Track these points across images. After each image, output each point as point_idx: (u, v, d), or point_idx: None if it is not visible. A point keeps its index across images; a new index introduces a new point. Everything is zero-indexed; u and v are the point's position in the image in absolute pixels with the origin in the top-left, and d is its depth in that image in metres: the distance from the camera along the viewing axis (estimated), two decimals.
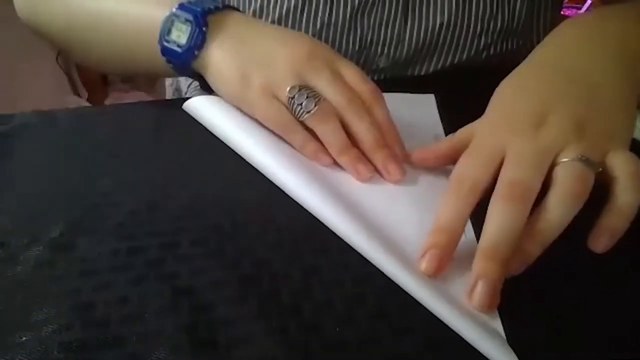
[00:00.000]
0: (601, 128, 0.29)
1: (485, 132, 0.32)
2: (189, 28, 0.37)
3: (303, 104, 0.33)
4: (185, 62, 0.38)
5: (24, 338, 0.24)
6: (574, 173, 0.27)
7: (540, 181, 0.27)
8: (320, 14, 0.48)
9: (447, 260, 0.27)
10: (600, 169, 0.28)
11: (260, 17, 0.49)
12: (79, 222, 0.30)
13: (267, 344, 0.23)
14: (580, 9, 1.52)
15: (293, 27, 0.48)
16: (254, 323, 0.24)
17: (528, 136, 0.29)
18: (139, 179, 0.34)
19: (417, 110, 0.42)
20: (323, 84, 0.35)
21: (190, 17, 0.37)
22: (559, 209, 0.26)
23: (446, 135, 0.39)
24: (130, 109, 0.45)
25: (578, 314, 0.25)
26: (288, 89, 0.34)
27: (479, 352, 0.23)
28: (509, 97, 0.33)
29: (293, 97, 0.34)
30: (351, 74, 0.36)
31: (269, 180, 0.34)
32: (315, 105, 0.33)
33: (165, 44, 0.38)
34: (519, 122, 0.30)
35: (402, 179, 0.34)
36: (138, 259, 0.28)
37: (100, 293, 0.26)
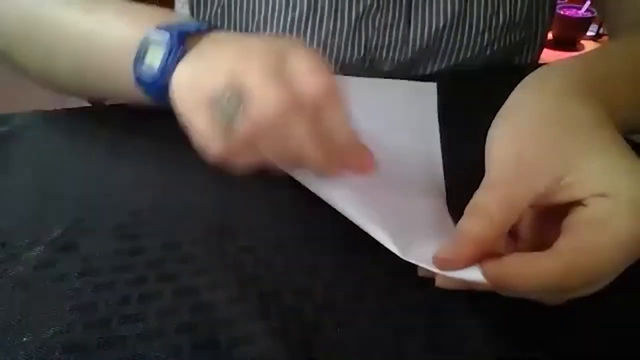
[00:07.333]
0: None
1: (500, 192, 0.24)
2: (162, 51, 0.30)
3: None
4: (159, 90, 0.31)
5: (24, 338, 0.24)
6: None
7: None
8: (325, 22, 0.48)
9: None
10: None
11: (265, 28, 0.48)
12: (80, 222, 0.31)
13: (268, 344, 0.23)
14: (580, 9, 1.52)
15: (297, 37, 0.48)
16: (254, 323, 0.24)
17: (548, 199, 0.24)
18: (140, 179, 0.34)
19: (416, 98, 0.42)
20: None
21: (165, 39, 0.30)
22: None
23: (440, 124, 0.38)
24: (130, 109, 0.45)
25: (578, 314, 0.25)
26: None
27: (480, 353, 0.23)
28: (516, 155, 0.24)
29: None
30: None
31: None
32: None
33: (139, 72, 0.32)
34: (535, 187, 0.23)
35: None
36: (139, 259, 0.28)
37: (101, 293, 0.26)
